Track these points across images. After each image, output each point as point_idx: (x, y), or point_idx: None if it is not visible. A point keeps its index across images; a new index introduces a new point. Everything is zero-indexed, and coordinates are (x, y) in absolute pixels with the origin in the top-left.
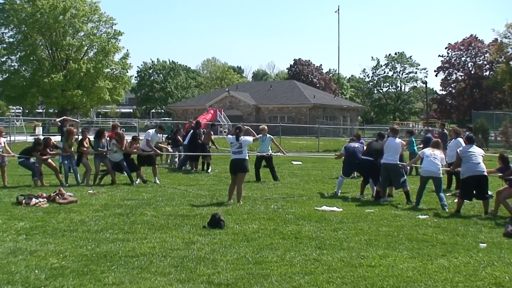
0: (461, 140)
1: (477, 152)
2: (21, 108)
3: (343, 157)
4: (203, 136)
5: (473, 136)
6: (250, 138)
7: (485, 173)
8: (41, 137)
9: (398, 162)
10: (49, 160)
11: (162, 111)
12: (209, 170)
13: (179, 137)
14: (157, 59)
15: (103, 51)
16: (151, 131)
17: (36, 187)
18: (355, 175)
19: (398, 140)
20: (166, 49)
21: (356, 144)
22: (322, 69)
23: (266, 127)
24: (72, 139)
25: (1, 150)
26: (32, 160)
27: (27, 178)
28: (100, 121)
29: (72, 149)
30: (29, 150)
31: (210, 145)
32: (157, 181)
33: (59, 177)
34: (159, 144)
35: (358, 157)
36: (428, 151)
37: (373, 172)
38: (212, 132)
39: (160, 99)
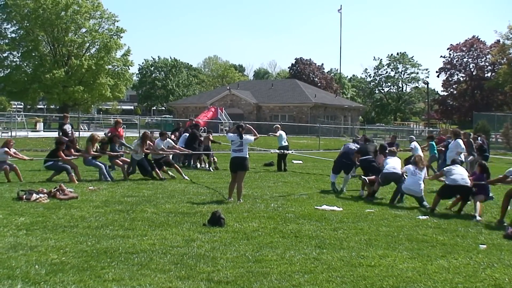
0: (460, 141)
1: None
2: (23, 103)
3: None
4: (202, 136)
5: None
6: (251, 137)
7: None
8: (62, 137)
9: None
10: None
11: (163, 108)
12: (210, 168)
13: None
14: (159, 56)
15: (105, 48)
16: (159, 141)
17: (72, 182)
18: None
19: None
20: (168, 46)
21: (353, 146)
22: (323, 69)
23: (279, 126)
24: (95, 145)
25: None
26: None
27: (28, 173)
28: (101, 117)
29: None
30: (54, 152)
31: (210, 145)
32: (186, 177)
33: (78, 173)
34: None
35: (350, 158)
36: (412, 168)
37: (373, 169)
38: (210, 136)
39: (161, 97)
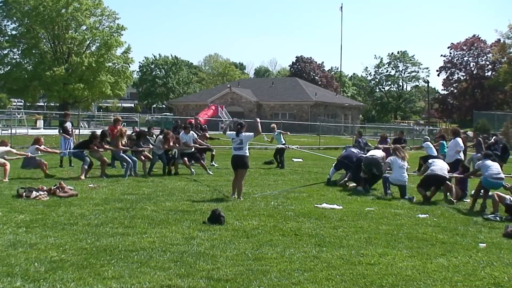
0: (459, 140)
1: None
2: (23, 101)
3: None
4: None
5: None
6: (251, 134)
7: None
8: (97, 132)
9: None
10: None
11: (164, 106)
12: (212, 163)
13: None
14: (159, 54)
15: (105, 45)
16: (183, 134)
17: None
18: None
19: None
20: (169, 44)
21: (355, 150)
22: (324, 67)
23: (275, 125)
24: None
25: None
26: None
27: (28, 171)
28: (102, 115)
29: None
30: (86, 143)
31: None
32: (210, 172)
33: (104, 168)
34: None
35: (353, 160)
36: (398, 160)
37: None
38: (207, 134)
39: (162, 94)
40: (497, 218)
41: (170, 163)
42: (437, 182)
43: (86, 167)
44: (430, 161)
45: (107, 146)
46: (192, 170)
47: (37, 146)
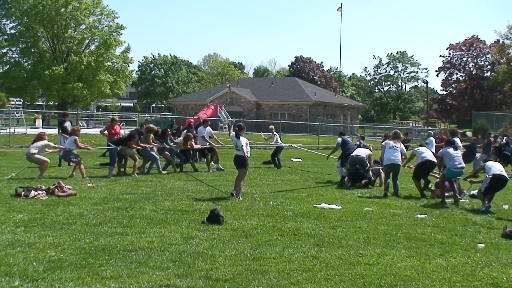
0: (457, 140)
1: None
2: (21, 100)
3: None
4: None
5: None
6: (243, 141)
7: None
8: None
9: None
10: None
11: (163, 105)
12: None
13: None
14: (158, 53)
15: (104, 45)
16: (201, 128)
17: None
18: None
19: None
20: (168, 43)
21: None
22: (323, 67)
23: (273, 126)
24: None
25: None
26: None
27: (26, 170)
28: (100, 114)
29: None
30: (123, 141)
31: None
32: (220, 167)
33: (136, 166)
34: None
35: (354, 147)
36: (390, 142)
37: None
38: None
39: (161, 94)
40: (485, 208)
41: (186, 161)
42: (430, 168)
43: (112, 167)
44: (415, 150)
45: (143, 144)
46: (219, 166)
47: (75, 137)
